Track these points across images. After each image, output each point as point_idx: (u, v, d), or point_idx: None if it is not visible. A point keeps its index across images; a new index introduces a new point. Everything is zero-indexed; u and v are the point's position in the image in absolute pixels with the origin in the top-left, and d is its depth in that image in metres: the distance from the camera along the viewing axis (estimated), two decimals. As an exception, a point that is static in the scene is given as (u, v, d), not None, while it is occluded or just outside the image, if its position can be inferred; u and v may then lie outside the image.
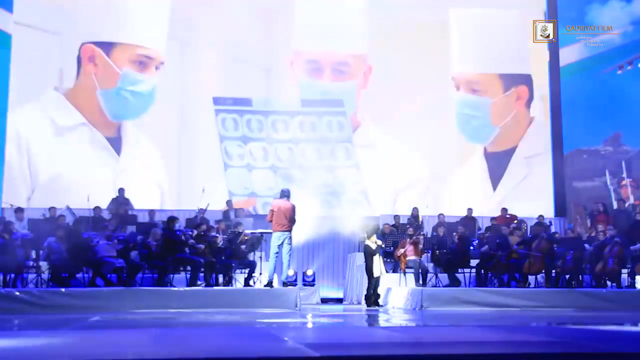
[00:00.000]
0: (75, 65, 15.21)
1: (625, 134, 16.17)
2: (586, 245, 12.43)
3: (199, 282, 11.08)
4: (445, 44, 16.24)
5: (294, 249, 13.17)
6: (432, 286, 11.93)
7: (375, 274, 11.79)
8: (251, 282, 11.41)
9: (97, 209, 13.02)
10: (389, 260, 12.84)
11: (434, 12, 16.23)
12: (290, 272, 12.48)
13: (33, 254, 11.12)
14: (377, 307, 11.66)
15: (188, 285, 10.96)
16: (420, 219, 14.03)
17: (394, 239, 12.82)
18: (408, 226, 12.80)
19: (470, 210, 14.38)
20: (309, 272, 13.66)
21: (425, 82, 16.05)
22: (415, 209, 14.21)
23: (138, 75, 15.20)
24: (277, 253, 11.11)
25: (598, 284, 12.00)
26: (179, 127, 15.71)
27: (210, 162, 15.50)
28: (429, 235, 13.07)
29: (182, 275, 11.31)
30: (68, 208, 13.21)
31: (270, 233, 11.36)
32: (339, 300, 14.03)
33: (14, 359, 4.78)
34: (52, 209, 12.75)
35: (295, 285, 12.58)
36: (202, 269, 11.22)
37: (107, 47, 15.17)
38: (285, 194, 11.37)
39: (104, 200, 13.74)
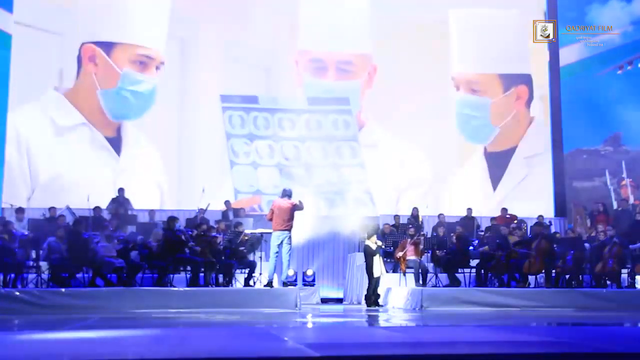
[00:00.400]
0: (75, 65, 15.20)
1: (625, 134, 16.17)
2: (586, 245, 12.43)
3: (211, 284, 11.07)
4: (445, 44, 16.24)
5: (294, 249, 13.18)
6: (432, 286, 11.93)
7: (376, 274, 11.80)
8: (251, 282, 11.41)
9: (97, 209, 13.02)
10: (389, 260, 12.84)
11: (434, 12, 16.23)
12: (290, 272, 12.48)
13: (33, 254, 11.12)
14: (377, 307, 11.66)
15: (188, 285, 10.96)
16: (420, 219, 14.03)
17: (394, 239, 12.82)
18: (410, 226, 12.79)
19: (469, 210, 14.38)
20: (309, 272, 13.66)
21: (426, 82, 16.06)
22: (415, 209, 14.22)
23: (138, 75, 15.20)
24: (277, 253, 11.11)
25: (598, 284, 11.99)
26: (179, 127, 15.72)
27: (211, 162, 15.51)
28: (429, 235, 13.07)
29: (182, 275, 11.31)
30: (68, 208, 13.21)
31: (270, 233, 11.37)
32: (339, 300, 14.03)
33: (14, 359, 4.78)
34: (52, 209, 12.75)
35: (295, 285, 12.57)
36: (202, 269, 11.22)
37: (107, 47, 15.17)
38: (287, 194, 11.37)
39: (104, 200, 13.74)
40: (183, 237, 11.22)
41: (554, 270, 12.04)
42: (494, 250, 12.06)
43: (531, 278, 12.11)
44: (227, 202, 14.24)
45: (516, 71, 16.37)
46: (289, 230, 11.13)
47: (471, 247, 12.81)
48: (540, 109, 16.51)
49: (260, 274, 11.62)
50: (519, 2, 16.79)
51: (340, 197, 15.37)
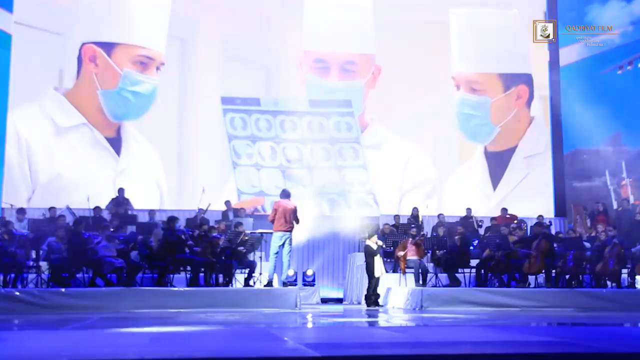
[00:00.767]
0: (75, 65, 15.20)
1: (625, 134, 16.17)
2: (586, 244, 12.43)
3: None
4: (446, 43, 16.26)
5: (295, 249, 13.19)
6: (432, 286, 11.93)
7: (376, 274, 11.81)
8: (251, 282, 11.41)
9: (97, 209, 13.01)
10: (389, 260, 12.84)
11: (435, 12, 16.25)
12: (290, 272, 12.49)
13: (33, 254, 11.12)
14: (377, 307, 11.66)
15: (188, 285, 10.96)
16: (420, 219, 14.03)
17: (394, 239, 12.82)
18: (412, 226, 12.78)
19: (469, 210, 14.38)
20: (309, 272, 13.67)
21: (427, 82, 16.09)
22: (415, 209, 14.22)
23: (139, 76, 15.20)
24: (277, 253, 11.13)
25: (598, 284, 11.99)
26: (179, 128, 15.74)
27: (211, 162, 15.52)
28: (428, 235, 13.07)
29: (182, 275, 11.31)
30: (68, 208, 13.21)
31: (271, 233, 11.36)
32: (339, 300, 14.03)
33: (14, 359, 4.78)
34: (52, 209, 12.75)
35: (295, 285, 12.59)
36: (202, 269, 11.22)
37: (108, 47, 15.17)
38: (287, 194, 11.39)
39: (104, 200, 13.74)
40: (183, 237, 11.23)
41: (554, 270, 12.04)
42: (494, 250, 12.06)
43: (531, 278, 12.11)
44: (227, 203, 14.24)
45: (516, 71, 16.38)
46: (291, 231, 11.16)
47: (471, 247, 12.80)
48: (541, 108, 16.52)
49: (260, 274, 11.62)
50: (519, 2, 16.79)
51: (343, 199, 15.40)
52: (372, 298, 11.84)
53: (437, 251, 12.50)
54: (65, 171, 14.84)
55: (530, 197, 15.90)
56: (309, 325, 8.43)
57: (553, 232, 13.65)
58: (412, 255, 12.14)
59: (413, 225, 12.88)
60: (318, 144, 15.57)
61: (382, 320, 9.41)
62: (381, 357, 4.92)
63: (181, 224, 12.41)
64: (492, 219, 14.05)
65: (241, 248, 11.51)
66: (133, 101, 15.18)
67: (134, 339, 6.05)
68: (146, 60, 15.23)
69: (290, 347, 5.35)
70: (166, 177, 15.39)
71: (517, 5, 16.62)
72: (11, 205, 13.74)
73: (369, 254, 11.88)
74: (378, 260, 11.85)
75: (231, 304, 10.39)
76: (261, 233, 12.11)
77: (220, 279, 11.39)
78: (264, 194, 15.12)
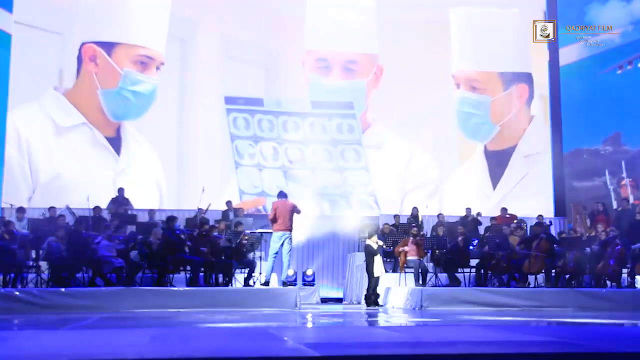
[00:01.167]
0: (75, 65, 15.21)
1: (625, 134, 16.17)
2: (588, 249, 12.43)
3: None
4: (446, 42, 16.27)
5: (295, 249, 13.19)
6: (432, 286, 11.92)
7: (376, 274, 11.81)
8: (251, 282, 11.41)
9: (97, 209, 13.01)
10: (389, 260, 12.84)
11: (435, 11, 16.27)
12: (290, 272, 12.49)
13: (33, 254, 11.12)
14: (377, 307, 11.66)
15: (188, 285, 10.96)
16: (420, 219, 14.03)
17: (394, 239, 12.82)
18: (413, 226, 12.77)
19: (469, 210, 14.38)
20: (309, 272, 13.67)
21: (427, 81, 16.10)
22: (415, 209, 14.22)
23: (139, 76, 15.20)
24: (276, 254, 11.15)
25: (598, 284, 11.99)
26: (179, 128, 15.75)
27: (211, 162, 15.53)
28: (428, 235, 13.07)
29: (182, 275, 11.31)
30: (68, 208, 13.21)
31: (271, 233, 11.37)
32: (339, 300, 14.03)
33: (14, 359, 4.78)
34: (52, 209, 12.75)
35: (295, 285, 12.59)
36: (202, 269, 11.22)
37: (108, 47, 15.17)
38: (284, 195, 11.42)
39: (104, 200, 13.74)
40: (183, 237, 11.23)
41: (554, 270, 12.04)
42: (494, 250, 12.06)
43: (531, 278, 12.11)
44: (228, 203, 14.25)
45: (517, 70, 16.40)
46: (290, 231, 11.17)
47: (471, 247, 12.80)
48: (541, 108, 16.53)
49: (260, 273, 11.63)
50: (519, 1, 16.81)
51: (344, 200, 15.41)
52: (372, 298, 11.84)
53: (437, 251, 12.49)
54: (65, 171, 14.85)
55: (530, 196, 15.92)
56: (309, 325, 8.43)
57: (554, 232, 13.65)
58: (412, 256, 12.13)
59: (413, 225, 12.87)
60: (320, 146, 15.59)
61: (382, 320, 9.41)
62: (381, 357, 4.91)
63: (181, 223, 12.40)
64: (492, 219, 14.04)
65: (243, 248, 11.50)
66: (133, 101, 15.18)
67: (134, 339, 6.05)
68: (146, 60, 15.23)
69: (290, 347, 5.35)
70: (166, 177, 15.39)
71: (517, 5, 16.64)
72: (11, 205, 13.74)
73: (370, 254, 11.88)
74: (378, 260, 11.86)
75: (231, 304, 10.40)
76: (261, 233, 12.12)
77: (220, 279, 11.39)
78: (265, 194, 15.13)
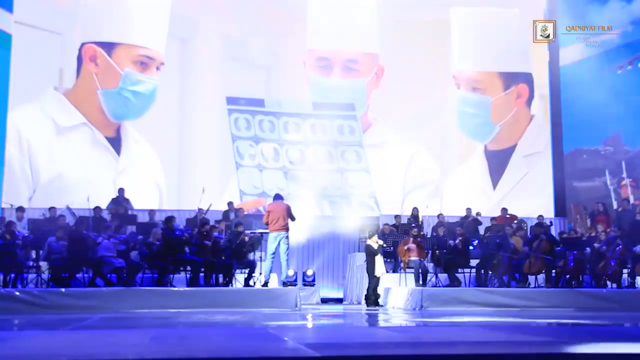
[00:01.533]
0: (75, 65, 15.20)
1: (625, 134, 16.17)
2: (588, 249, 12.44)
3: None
4: (446, 42, 16.28)
5: (295, 249, 13.20)
6: (432, 286, 11.92)
7: (376, 274, 11.80)
8: (251, 282, 11.42)
9: (97, 209, 13.01)
10: (389, 260, 12.83)
11: (435, 11, 16.28)
12: (290, 272, 12.49)
13: (33, 254, 11.12)
14: (377, 307, 11.66)
15: (188, 285, 10.96)
16: (420, 219, 14.02)
17: (394, 239, 12.82)
18: (413, 226, 12.77)
19: (469, 210, 14.38)
20: (309, 272, 13.67)
21: (428, 81, 16.11)
22: (415, 209, 14.20)
23: (139, 76, 15.20)
24: (273, 254, 11.16)
25: (598, 284, 11.99)
26: (179, 128, 15.75)
27: (211, 163, 15.53)
28: (428, 235, 13.07)
29: (182, 275, 11.31)
30: (68, 208, 13.21)
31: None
32: (339, 300, 14.03)
33: (14, 359, 4.78)
34: (52, 209, 12.75)
35: (295, 285, 12.59)
36: (202, 269, 11.22)
37: (108, 47, 15.17)
38: (280, 197, 11.49)
39: (104, 200, 13.74)
40: (184, 237, 11.23)
41: (554, 270, 12.04)
42: (493, 250, 12.06)
43: (531, 278, 12.11)
44: (230, 203, 14.25)
45: (517, 70, 16.40)
46: (286, 230, 11.18)
47: (471, 247, 12.80)
48: (541, 107, 16.54)
49: (260, 273, 11.63)
50: (519, 1, 16.81)
51: (345, 201, 15.40)
52: (372, 298, 11.84)
53: (437, 251, 12.49)
54: (65, 171, 14.84)
55: (530, 196, 15.92)
56: (309, 325, 8.43)
57: (554, 232, 13.65)
58: (412, 255, 12.12)
59: (413, 225, 12.86)
60: (321, 147, 15.60)
61: (382, 320, 9.41)
62: (381, 357, 4.91)
63: (181, 223, 12.40)
64: (492, 219, 14.04)
65: (243, 248, 11.50)
66: (133, 101, 15.18)
67: (134, 339, 6.05)
68: (146, 60, 15.23)
69: (290, 347, 5.35)
70: (166, 177, 15.39)
71: (517, 5, 16.65)
72: (11, 205, 13.73)
73: (370, 254, 11.88)
74: (378, 260, 11.85)
75: (231, 304, 10.40)
76: (261, 233, 12.11)
77: (220, 279, 11.39)
78: (266, 195, 15.12)
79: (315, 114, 15.65)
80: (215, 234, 11.59)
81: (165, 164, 15.43)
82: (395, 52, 15.95)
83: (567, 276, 12.10)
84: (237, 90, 15.62)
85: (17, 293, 10.02)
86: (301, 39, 15.91)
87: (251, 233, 11.98)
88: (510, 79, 16.32)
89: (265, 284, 11.21)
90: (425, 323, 8.78)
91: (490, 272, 12.12)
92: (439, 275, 12.18)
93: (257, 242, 11.94)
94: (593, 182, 16.21)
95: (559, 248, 12.20)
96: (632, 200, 15.36)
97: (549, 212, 15.78)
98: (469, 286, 12.01)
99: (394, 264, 12.93)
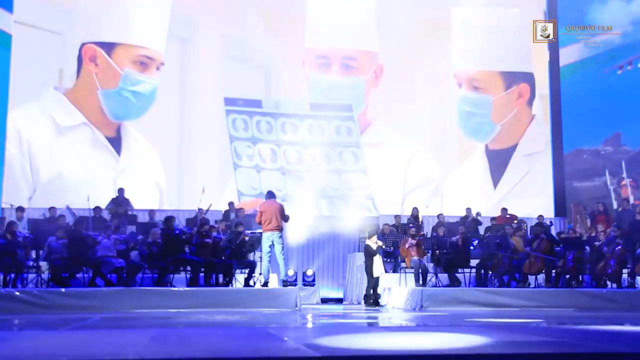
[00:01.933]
0: (75, 65, 15.21)
1: (625, 134, 16.17)
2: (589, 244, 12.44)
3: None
4: (447, 41, 16.28)
5: (295, 249, 13.17)
6: (432, 286, 11.92)
7: (376, 274, 11.80)
8: (251, 282, 11.41)
9: (97, 209, 13.02)
10: (389, 260, 12.83)
11: (436, 11, 16.29)
12: (290, 272, 12.47)
13: (33, 254, 11.11)
14: (377, 307, 11.66)
15: (188, 285, 10.96)
16: (420, 219, 14.03)
17: (394, 239, 12.82)
18: (411, 226, 12.78)
19: (469, 209, 14.38)
20: (309, 272, 13.66)
21: (427, 80, 16.11)
22: (415, 209, 14.21)
23: (139, 76, 15.20)
24: (268, 253, 11.15)
25: (598, 284, 11.99)
26: (179, 128, 15.75)
27: (211, 163, 15.53)
28: (428, 235, 13.07)
29: (182, 275, 11.31)
30: (68, 208, 13.21)
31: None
32: (339, 300, 14.03)
33: (14, 359, 4.78)
34: (52, 209, 12.75)
35: (295, 285, 12.58)
36: (202, 269, 11.22)
37: (108, 47, 15.17)
38: (272, 195, 11.45)
39: (104, 200, 13.74)
40: (184, 237, 11.23)
41: (554, 270, 12.04)
42: (493, 250, 12.05)
43: (531, 278, 12.11)
44: (230, 204, 14.25)
45: (518, 69, 16.40)
46: (279, 230, 11.17)
47: (471, 247, 12.80)
48: (541, 107, 16.54)
49: (260, 273, 11.62)
50: (519, 1, 16.82)
51: (342, 202, 15.39)
52: (372, 298, 11.84)
53: (437, 251, 12.49)
54: (65, 171, 14.85)
55: (530, 196, 15.92)
56: (309, 325, 8.43)
57: (554, 232, 13.65)
58: (413, 255, 12.12)
59: (412, 225, 12.87)
60: (318, 147, 15.58)
61: (382, 320, 9.41)
62: (381, 357, 4.91)
63: (180, 223, 12.39)
64: (492, 218, 14.04)
65: (243, 248, 11.50)
66: (133, 101, 15.18)
67: (134, 339, 6.05)
68: (146, 60, 15.23)
69: (290, 347, 5.35)
70: (166, 177, 15.39)
71: (518, 4, 16.66)
72: (11, 205, 13.74)
73: (369, 254, 11.88)
74: (378, 260, 11.85)
75: (231, 304, 10.40)
76: (261, 233, 12.09)
77: (220, 279, 11.39)
78: (263, 196, 15.11)
79: (313, 115, 15.65)
80: (215, 234, 11.59)
81: (165, 164, 15.43)
82: (395, 52, 15.96)
83: (567, 276, 12.10)
84: (236, 91, 15.62)
85: (17, 293, 10.02)
86: (300, 40, 15.91)
87: (251, 233, 11.97)
88: (512, 78, 16.33)
89: (265, 284, 11.20)
90: (425, 323, 8.77)
91: (490, 272, 12.11)
92: (439, 275, 12.18)
93: (257, 242, 11.92)
94: (593, 182, 16.21)
95: (558, 248, 12.19)
96: (632, 200, 15.36)
97: (549, 212, 15.78)
98: (469, 286, 12.01)
99: (394, 264, 12.92)
